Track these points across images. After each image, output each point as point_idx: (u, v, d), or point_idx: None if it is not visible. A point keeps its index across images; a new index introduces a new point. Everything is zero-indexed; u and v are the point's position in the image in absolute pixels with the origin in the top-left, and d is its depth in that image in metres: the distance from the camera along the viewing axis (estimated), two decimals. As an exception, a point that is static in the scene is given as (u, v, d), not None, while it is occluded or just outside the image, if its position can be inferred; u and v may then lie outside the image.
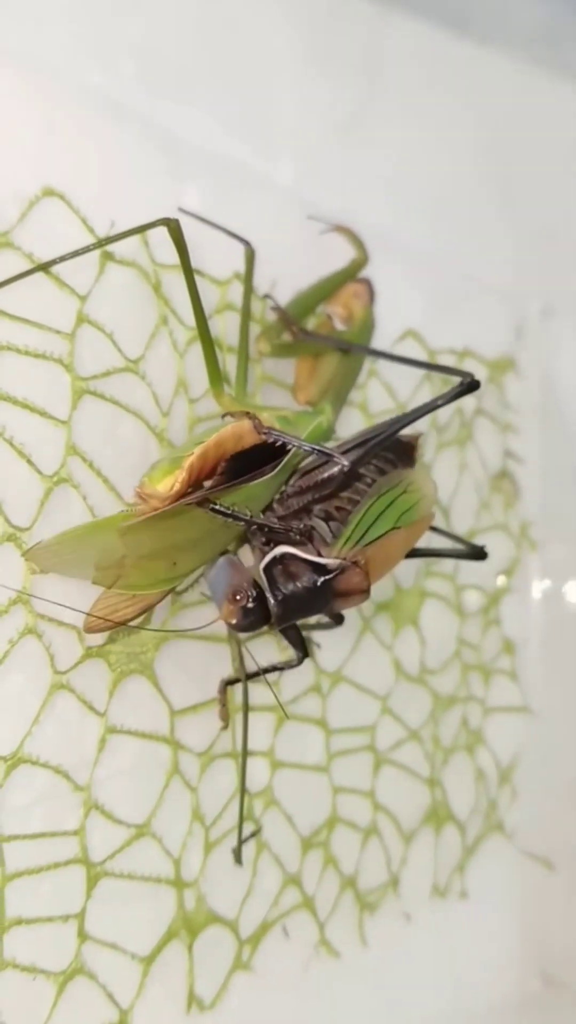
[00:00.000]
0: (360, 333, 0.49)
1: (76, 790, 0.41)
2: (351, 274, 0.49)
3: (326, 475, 0.42)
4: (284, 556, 0.40)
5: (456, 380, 0.43)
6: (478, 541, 0.59)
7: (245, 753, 0.45)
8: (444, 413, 0.58)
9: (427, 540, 0.49)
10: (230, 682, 0.45)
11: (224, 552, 0.42)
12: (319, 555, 0.41)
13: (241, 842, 0.46)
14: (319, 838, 0.50)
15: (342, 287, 0.49)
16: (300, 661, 0.44)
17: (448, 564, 0.58)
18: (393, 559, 0.44)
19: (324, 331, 0.49)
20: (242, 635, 0.45)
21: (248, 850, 0.47)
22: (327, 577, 0.40)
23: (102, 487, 0.42)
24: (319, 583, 0.40)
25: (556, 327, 0.63)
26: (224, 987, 0.46)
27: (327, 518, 0.42)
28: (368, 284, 0.49)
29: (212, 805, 0.46)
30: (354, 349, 0.48)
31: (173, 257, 0.41)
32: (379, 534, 0.42)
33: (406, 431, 0.44)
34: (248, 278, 0.45)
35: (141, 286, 0.44)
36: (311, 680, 0.50)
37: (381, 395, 0.54)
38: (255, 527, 0.41)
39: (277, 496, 0.43)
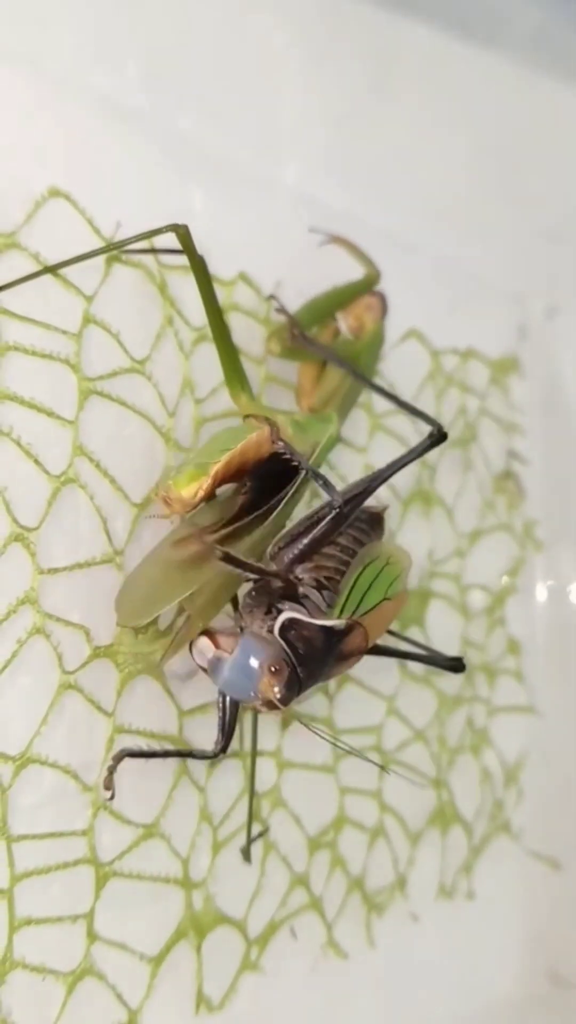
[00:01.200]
0: (369, 346, 0.49)
1: (85, 790, 0.41)
2: (364, 288, 0.49)
3: (318, 518, 0.41)
4: (292, 621, 0.39)
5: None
6: (483, 542, 0.59)
7: (254, 753, 0.45)
8: (448, 413, 0.58)
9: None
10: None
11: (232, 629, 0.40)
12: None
13: (250, 840, 0.46)
14: (326, 838, 0.50)
15: (355, 299, 0.49)
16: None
17: (452, 564, 0.58)
18: (381, 629, 0.43)
19: (327, 340, 0.49)
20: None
21: (256, 850, 0.47)
22: (335, 639, 0.39)
23: (109, 487, 0.42)
24: (329, 646, 0.39)
25: (560, 327, 0.63)
26: (233, 987, 0.46)
27: (319, 587, 0.41)
28: (382, 298, 0.49)
29: (220, 805, 0.46)
30: (340, 365, 0.47)
31: (178, 258, 0.41)
32: (372, 604, 0.41)
33: (371, 501, 0.44)
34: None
35: (147, 287, 0.44)
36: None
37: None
38: (256, 584, 0.40)
39: (271, 551, 0.42)
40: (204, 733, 0.45)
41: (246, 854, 0.46)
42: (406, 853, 0.54)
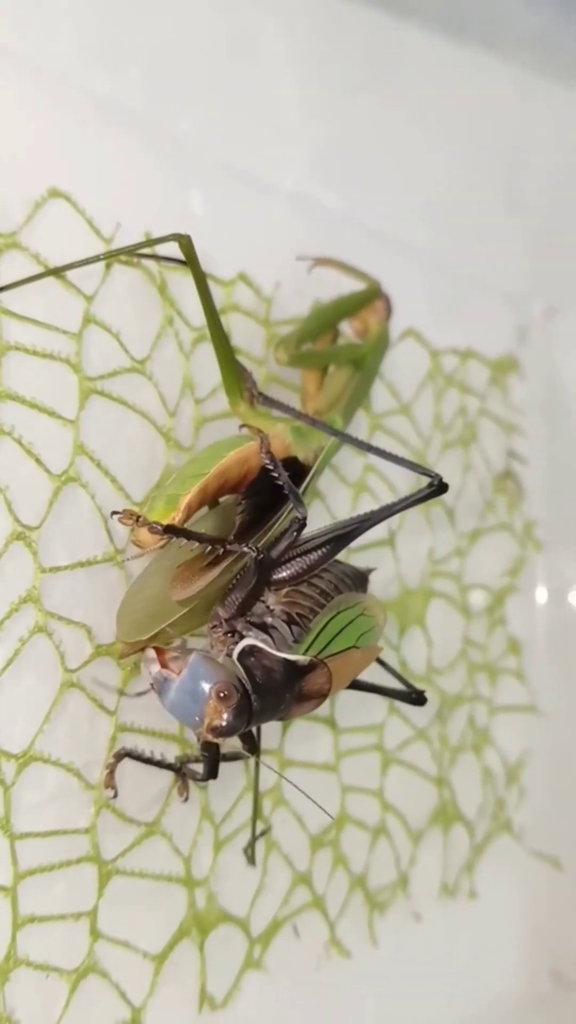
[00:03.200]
0: (374, 348, 0.49)
1: (87, 788, 0.41)
2: (367, 300, 0.49)
3: (239, 565, 0.40)
4: (253, 648, 0.38)
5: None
6: (483, 542, 0.60)
7: (258, 753, 0.45)
8: (447, 414, 0.58)
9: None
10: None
11: (184, 650, 0.38)
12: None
13: (255, 838, 0.46)
14: (328, 837, 0.50)
15: (359, 310, 0.49)
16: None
17: (453, 563, 0.58)
18: (346, 678, 0.42)
19: (327, 345, 0.49)
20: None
21: (258, 849, 0.47)
22: (296, 675, 0.39)
23: (110, 486, 0.42)
24: (290, 681, 0.39)
25: (559, 327, 0.63)
26: (236, 986, 0.46)
27: (289, 621, 0.40)
28: (387, 300, 0.50)
29: (221, 804, 0.46)
30: (319, 427, 0.45)
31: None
32: (340, 648, 0.40)
33: (360, 564, 0.44)
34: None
35: (147, 287, 0.44)
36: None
37: (384, 395, 0.55)
38: (219, 619, 0.40)
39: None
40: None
41: (251, 857, 0.46)
42: (408, 852, 0.54)
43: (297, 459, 0.44)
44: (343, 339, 0.50)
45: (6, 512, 0.39)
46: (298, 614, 0.41)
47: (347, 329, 0.50)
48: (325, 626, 0.40)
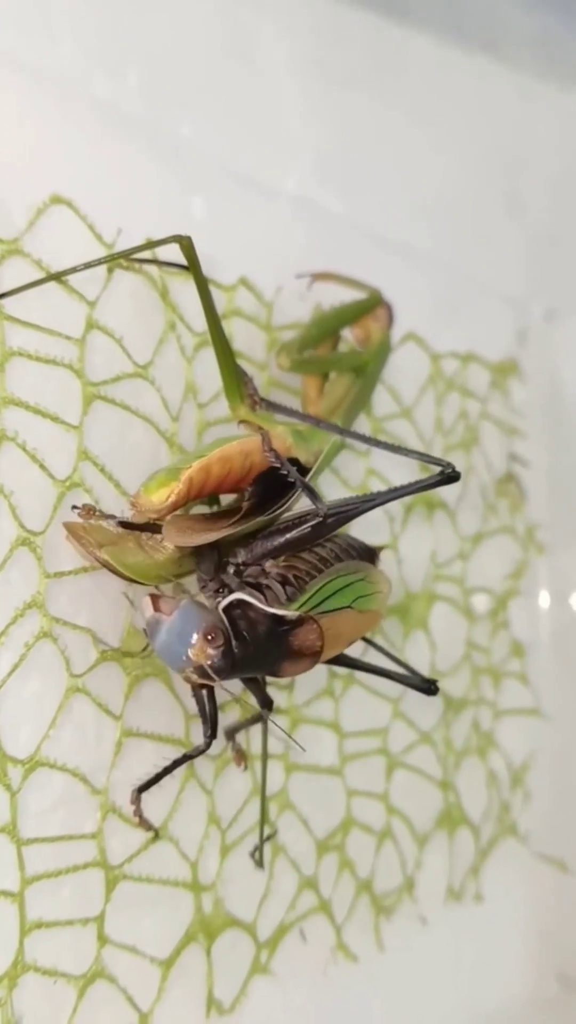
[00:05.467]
0: (376, 355, 0.49)
1: (93, 793, 0.41)
2: (368, 308, 0.49)
3: (301, 522, 0.41)
4: (240, 602, 0.39)
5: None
6: (485, 545, 0.60)
7: (265, 756, 0.45)
8: (449, 417, 0.58)
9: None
10: (235, 730, 0.46)
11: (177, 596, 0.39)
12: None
13: (263, 841, 0.46)
14: (334, 841, 0.50)
15: (360, 318, 0.49)
16: (269, 712, 0.43)
17: (456, 567, 0.58)
18: (343, 639, 0.42)
19: (329, 351, 0.49)
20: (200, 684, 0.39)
21: (264, 853, 0.47)
22: (284, 630, 0.39)
23: (113, 491, 0.42)
24: (276, 635, 0.39)
25: (559, 330, 0.63)
26: (243, 991, 0.46)
27: (283, 582, 0.41)
28: (388, 308, 0.50)
29: (227, 808, 0.46)
30: (324, 427, 0.45)
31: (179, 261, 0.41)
32: (334, 608, 0.41)
33: (374, 540, 0.44)
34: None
35: (148, 293, 0.44)
36: (324, 683, 0.50)
37: (385, 399, 0.55)
38: (208, 573, 0.40)
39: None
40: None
41: (259, 861, 0.46)
42: (414, 855, 0.54)
43: (298, 461, 0.44)
44: (344, 345, 0.50)
45: (11, 517, 0.39)
46: (294, 576, 0.41)
47: (348, 336, 0.50)
48: (320, 588, 0.41)
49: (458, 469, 0.41)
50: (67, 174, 0.42)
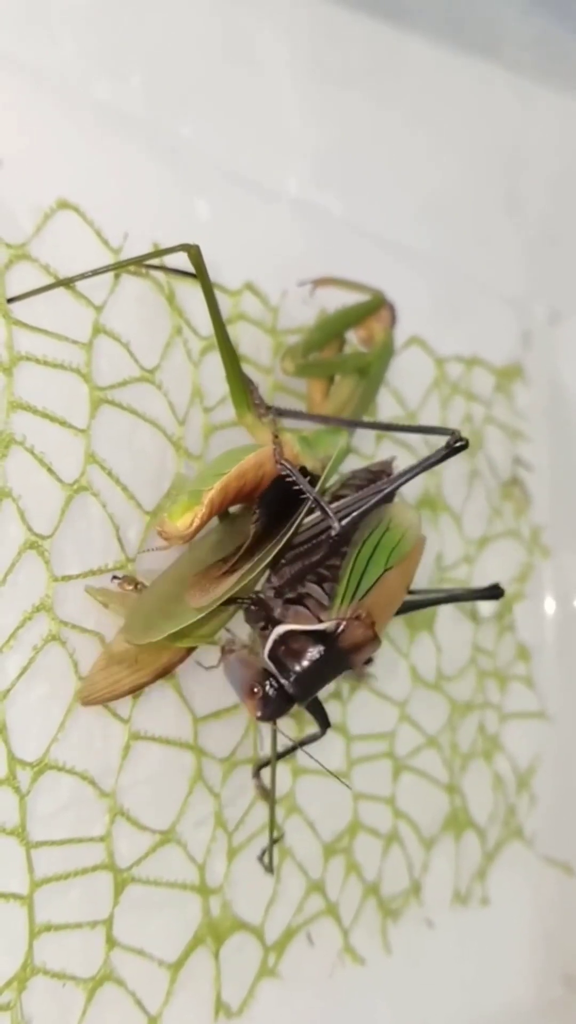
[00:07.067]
0: (379, 356, 0.49)
1: (102, 796, 0.41)
2: (371, 310, 0.49)
3: (317, 543, 0.42)
4: (286, 635, 0.40)
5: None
6: (490, 548, 0.60)
7: (274, 760, 0.45)
8: (453, 420, 0.58)
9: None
10: (261, 766, 0.46)
11: (229, 649, 0.41)
12: (318, 620, 0.40)
13: (271, 845, 0.46)
14: (341, 844, 0.50)
15: (364, 320, 0.50)
16: (323, 733, 0.44)
17: (461, 571, 0.58)
18: (395, 599, 0.43)
19: (333, 354, 0.49)
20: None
21: (272, 857, 0.47)
22: (335, 635, 0.40)
23: (121, 495, 0.42)
24: (326, 649, 0.40)
25: (563, 333, 0.63)
26: (251, 993, 0.46)
27: (320, 580, 0.41)
28: (391, 308, 0.50)
29: (235, 811, 0.46)
30: (334, 423, 0.47)
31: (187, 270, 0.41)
32: (373, 581, 0.41)
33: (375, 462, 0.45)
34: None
35: (155, 297, 0.45)
36: (331, 687, 0.50)
37: (390, 403, 0.55)
38: (251, 608, 0.42)
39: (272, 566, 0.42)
40: (218, 738, 0.45)
41: (267, 865, 0.46)
42: (420, 859, 0.54)
43: (305, 468, 0.44)
44: (348, 347, 0.50)
45: (19, 521, 0.39)
46: (327, 568, 0.41)
47: (352, 338, 0.50)
48: (352, 568, 0.41)
49: (464, 436, 0.41)
50: (73, 179, 0.42)
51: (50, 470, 0.40)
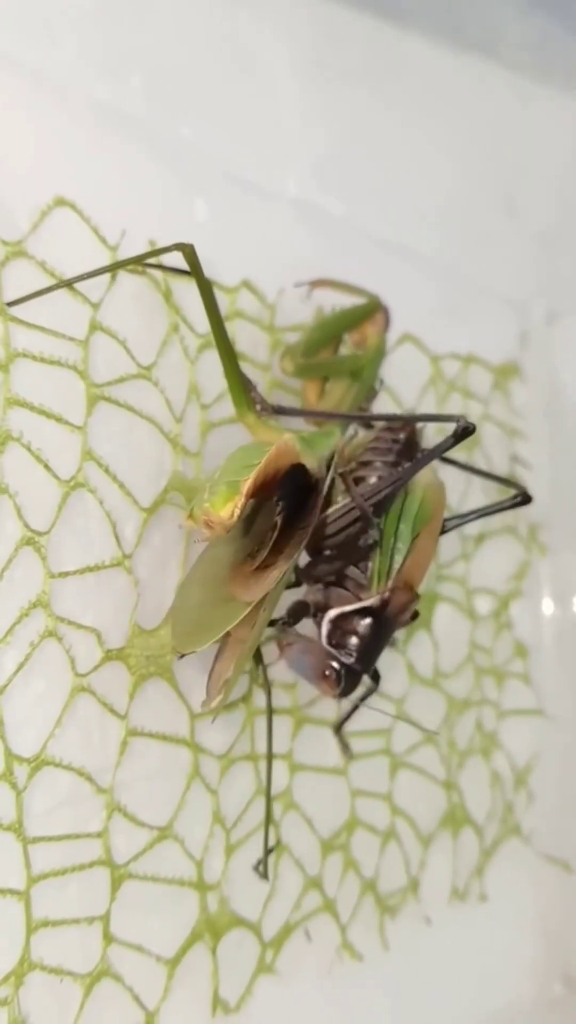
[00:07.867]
0: (372, 359, 0.49)
1: (99, 792, 0.41)
2: (367, 314, 0.49)
3: (351, 537, 0.44)
4: (336, 618, 0.43)
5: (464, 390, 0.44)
6: (487, 546, 0.60)
7: (270, 759, 0.45)
8: (451, 420, 0.58)
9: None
10: (343, 722, 0.49)
11: (287, 643, 0.44)
12: (358, 599, 0.43)
13: (267, 853, 0.46)
14: (339, 841, 0.50)
15: (360, 323, 0.50)
16: (376, 687, 0.47)
17: (459, 568, 0.58)
18: (429, 555, 0.46)
19: (330, 355, 0.49)
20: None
21: (268, 864, 0.47)
22: (380, 606, 0.43)
23: (118, 491, 0.42)
24: (374, 620, 0.43)
25: (561, 332, 0.63)
26: (248, 990, 0.46)
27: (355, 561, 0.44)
28: (385, 312, 0.50)
29: (233, 807, 0.46)
30: (335, 419, 0.47)
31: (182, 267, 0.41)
32: (405, 553, 0.44)
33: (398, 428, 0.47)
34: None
35: (152, 294, 0.45)
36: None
37: (387, 402, 0.55)
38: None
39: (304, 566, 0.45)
40: (216, 735, 0.45)
41: (263, 873, 0.46)
42: (418, 856, 0.54)
43: (305, 468, 0.44)
44: (344, 348, 0.50)
45: (16, 517, 0.39)
46: (359, 548, 0.44)
47: (345, 339, 0.50)
48: (381, 546, 0.44)
49: (472, 422, 0.41)
50: (71, 177, 0.42)
51: (47, 467, 0.40)
